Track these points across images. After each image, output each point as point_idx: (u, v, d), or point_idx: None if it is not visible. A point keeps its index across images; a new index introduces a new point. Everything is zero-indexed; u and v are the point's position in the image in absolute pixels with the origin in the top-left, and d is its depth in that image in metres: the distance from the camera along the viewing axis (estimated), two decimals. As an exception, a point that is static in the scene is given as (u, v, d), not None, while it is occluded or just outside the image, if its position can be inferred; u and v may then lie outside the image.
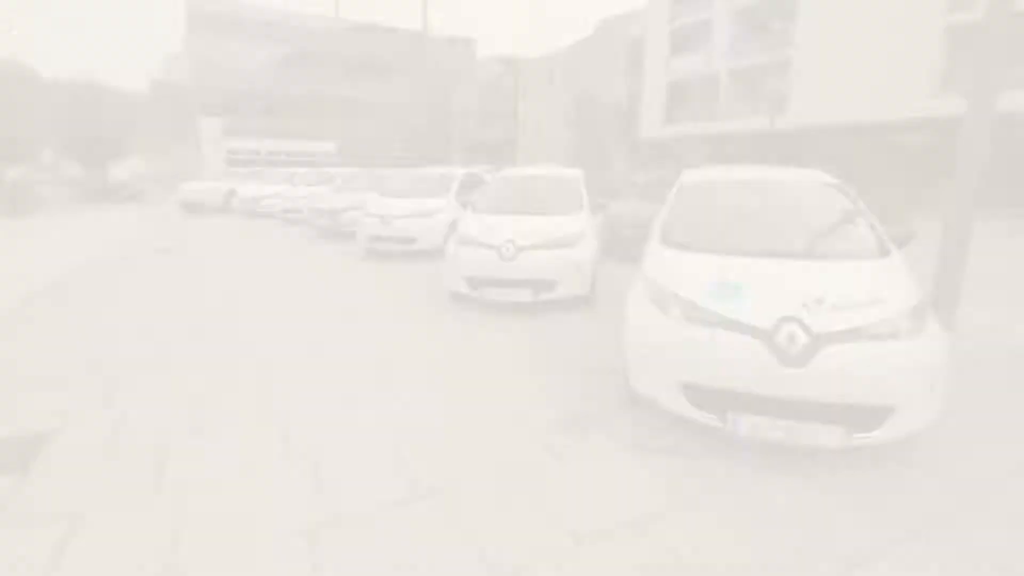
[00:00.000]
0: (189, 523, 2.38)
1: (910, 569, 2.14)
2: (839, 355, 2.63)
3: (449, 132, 26.85)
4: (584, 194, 6.62)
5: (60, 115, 45.99)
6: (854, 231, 3.60)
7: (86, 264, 8.68)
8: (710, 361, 2.82)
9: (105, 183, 40.27)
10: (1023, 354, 4.58)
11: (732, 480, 2.72)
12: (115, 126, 45.53)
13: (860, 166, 24.80)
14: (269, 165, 31.66)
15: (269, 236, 12.39)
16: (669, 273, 3.32)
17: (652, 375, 3.09)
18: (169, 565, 2.13)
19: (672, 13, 30.80)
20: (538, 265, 5.49)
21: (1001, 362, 4.38)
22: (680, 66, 30.79)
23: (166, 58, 55.95)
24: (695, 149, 33.44)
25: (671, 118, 31.54)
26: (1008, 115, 11.78)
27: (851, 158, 24.90)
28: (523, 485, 2.67)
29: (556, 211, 6.31)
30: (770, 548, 2.24)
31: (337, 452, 2.96)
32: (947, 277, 5.16)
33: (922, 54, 19.60)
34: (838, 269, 3.16)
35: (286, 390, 3.79)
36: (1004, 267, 8.25)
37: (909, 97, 20.03)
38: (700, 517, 2.44)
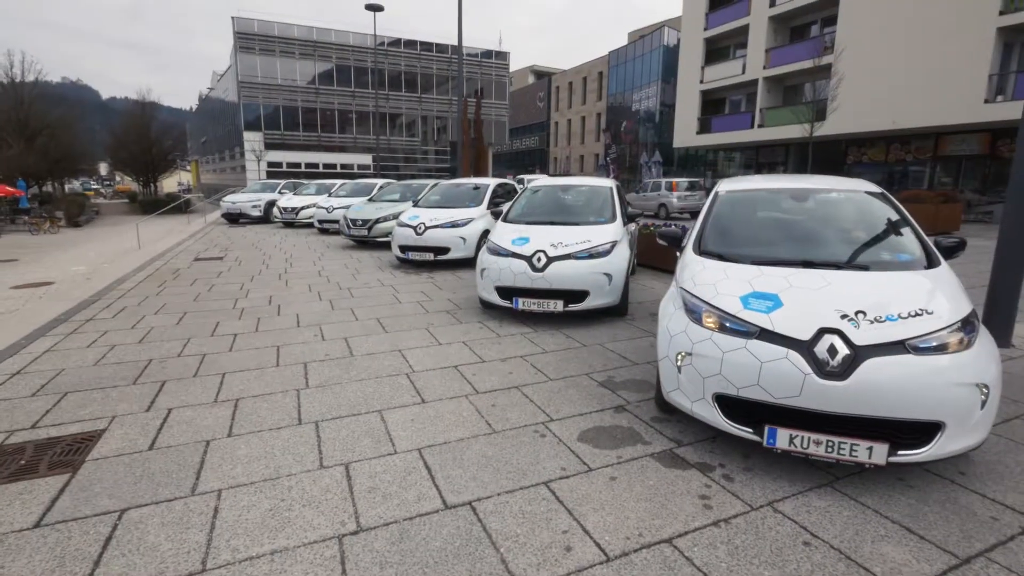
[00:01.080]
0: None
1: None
2: (882, 368, 2.51)
3: (483, 143, 27.24)
4: (617, 204, 6.57)
5: (116, 132, 48.72)
6: (899, 241, 3.46)
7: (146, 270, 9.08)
8: (744, 373, 2.73)
9: (155, 195, 42.42)
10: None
11: (768, 497, 2.62)
12: (166, 141, 47.94)
13: (907, 174, 23.93)
14: (308, 177, 32.61)
15: (304, 246, 12.73)
16: (703, 283, 3.25)
17: (685, 386, 3.03)
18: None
19: (706, 21, 30.46)
20: (569, 275, 5.46)
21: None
22: (714, 74, 30.37)
23: (213, 76, 58.57)
24: (729, 158, 32.94)
25: (705, 127, 31.09)
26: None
27: (896, 166, 24.07)
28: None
29: (588, 221, 6.28)
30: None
31: (366, 453, 3.01)
32: (1002, 289, 4.91)
33: (973, 58, 18.79)
34: (882, 280, 3.04)
35: (317, 396, 3.87)
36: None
37: (959, 103, 19.20)
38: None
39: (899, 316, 2.68)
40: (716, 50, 31.23)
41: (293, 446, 3.15)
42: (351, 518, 2.49)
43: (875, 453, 2.53)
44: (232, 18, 38.67)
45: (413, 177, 36.62)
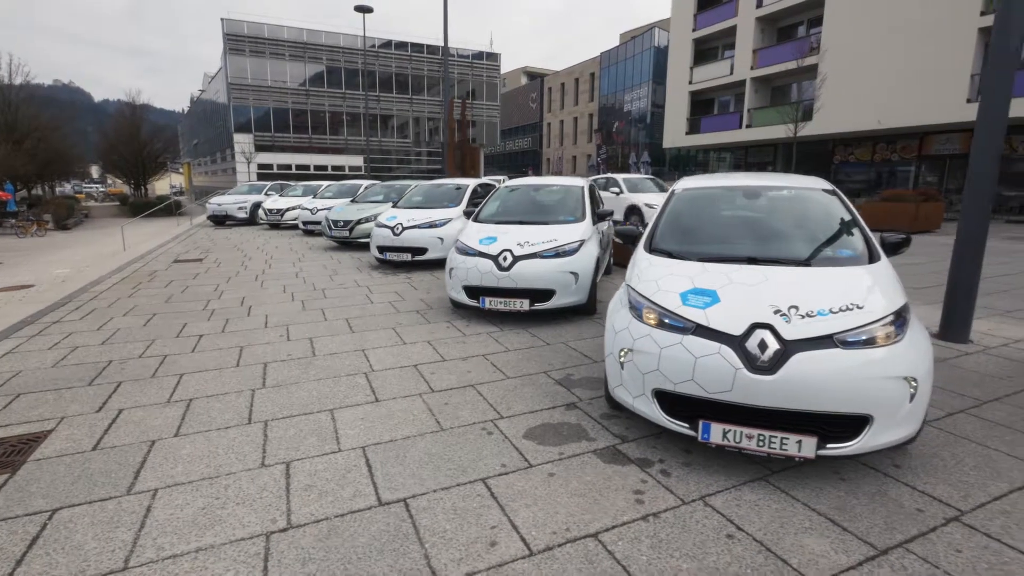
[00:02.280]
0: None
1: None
2: (810, 362, 2.54)
3: (468, 144, 27.30)
4: (587, 203, 6.59)
5: (107, 134, 48.48)
6: (843, 237, 3.49)
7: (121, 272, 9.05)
8: (680, 368, 2.75)
9: (146, 198, 42.21)
10: (1040, 366, 4.34)
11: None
12: (156, 144, 47.74)
13: (894, 174, 24.08)
14: (299, 179, 32.55)
15: (287, 247, 12.71)
16: (648, 279, 3.27)
17: (627, 382, 3.04)
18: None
19: (695, 22, 30.59)
20: (535, 274, 5.47)
21: (1021, 375, 4.16)
22: (703, 75, 30.50)
23: (205, 78, 58.38)
24: (720, 158, 33.06)
25: (694, 127, 31.20)
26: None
27: (882, 165, 24.21)
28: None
29: (557, 220, 6.30)
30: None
31: (310, 451, 3.01)
32: (960, 286, 4.96)
33: (955, 58, 18.95)
34: (820, 276, 3.06)
35: (271, 396, 3.87)
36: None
37: (942, 103, 19.35)
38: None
39: (830, 311, 2.71)
40: (705, 51, 31.37)
41: (238, 445, 3.15)
42: (283, 515, 2.49)
43: (804, 446, 2.55)
44: (221, 20, 38.60)
45: (407, 178, 36.63)
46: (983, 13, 18.24)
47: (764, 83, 27.73)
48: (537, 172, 56.92)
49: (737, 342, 2.67)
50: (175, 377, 4.25)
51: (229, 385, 4.08)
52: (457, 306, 6.14)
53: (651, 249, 3.69)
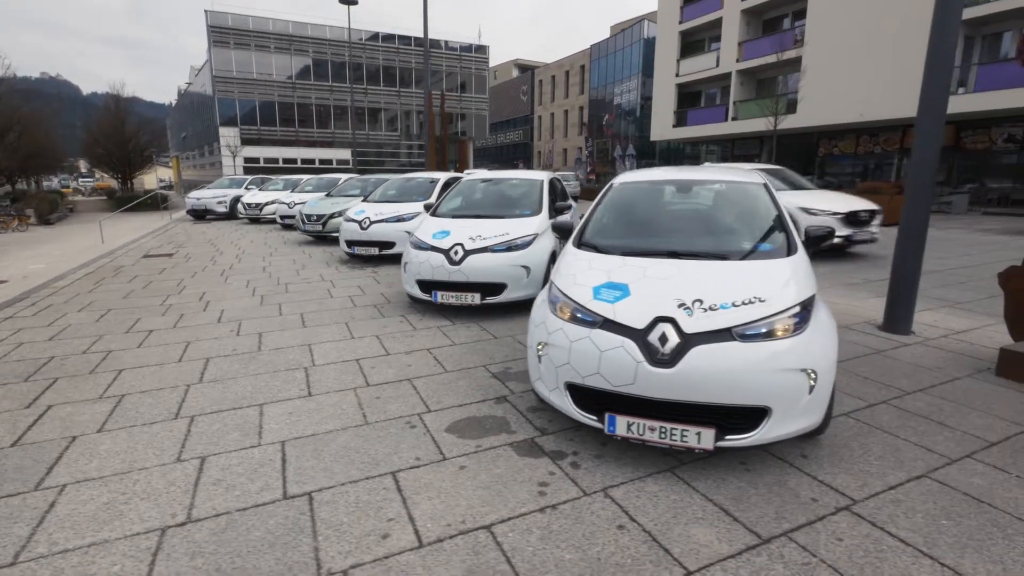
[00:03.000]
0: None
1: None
2: (707, 355, 2.56)
3: (447, 138, 27.21)
4: (545, 197, 6.59)
5: (95, 128, 47.95)
6: (764, 230, 3.52)
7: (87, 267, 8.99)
8: (587, 361, 2.78)
9: (131, 192, 41.83)
10: (976, 356, 4.39)
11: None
12: (143, 137, 47.28)
13: (879, 166, 24.18)
14: (287, 173, 32.32)
15: (261, 242, 12.66)
16: (567, 274, 3.29)
17: (544, 375, 3.07)
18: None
19: (681, 14, 30.51)
20: (485, 268, 5.49)
21: (951, 366, 4.22)
22: (690, 68, 30.46)
23: (192, 71, 57.74)
24: (710, 150, 33.08)
25: (681, 120, 31.20)
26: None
27: (866, 158, 24.31)
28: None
29: (512, 214, 6.31)
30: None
31: (229, 446, 3.02)
32: (902, 279, 5.01)
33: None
34: (731, 269, 3.08)
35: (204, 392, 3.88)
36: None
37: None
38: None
39: (732, 304, 2.73)
40: (691, 43, 31.32)
41: (158, 440, 3.16)
42: (184, 510, 2.51)
43: (703, 438, 2.58)
44: (205, 11, 38.13)
45: (396, 172, 36.43)
46: (966, 5, 18.26)
47: (749, 76, 27.73)
48: (528, 165, 56.80)
49: (640, 336, 2.70)
50: (114, 373, 4.25)
51: (166, 380, 4.08)
52: (414, 300, 6.16)
53: (580, 244, 3.70)
